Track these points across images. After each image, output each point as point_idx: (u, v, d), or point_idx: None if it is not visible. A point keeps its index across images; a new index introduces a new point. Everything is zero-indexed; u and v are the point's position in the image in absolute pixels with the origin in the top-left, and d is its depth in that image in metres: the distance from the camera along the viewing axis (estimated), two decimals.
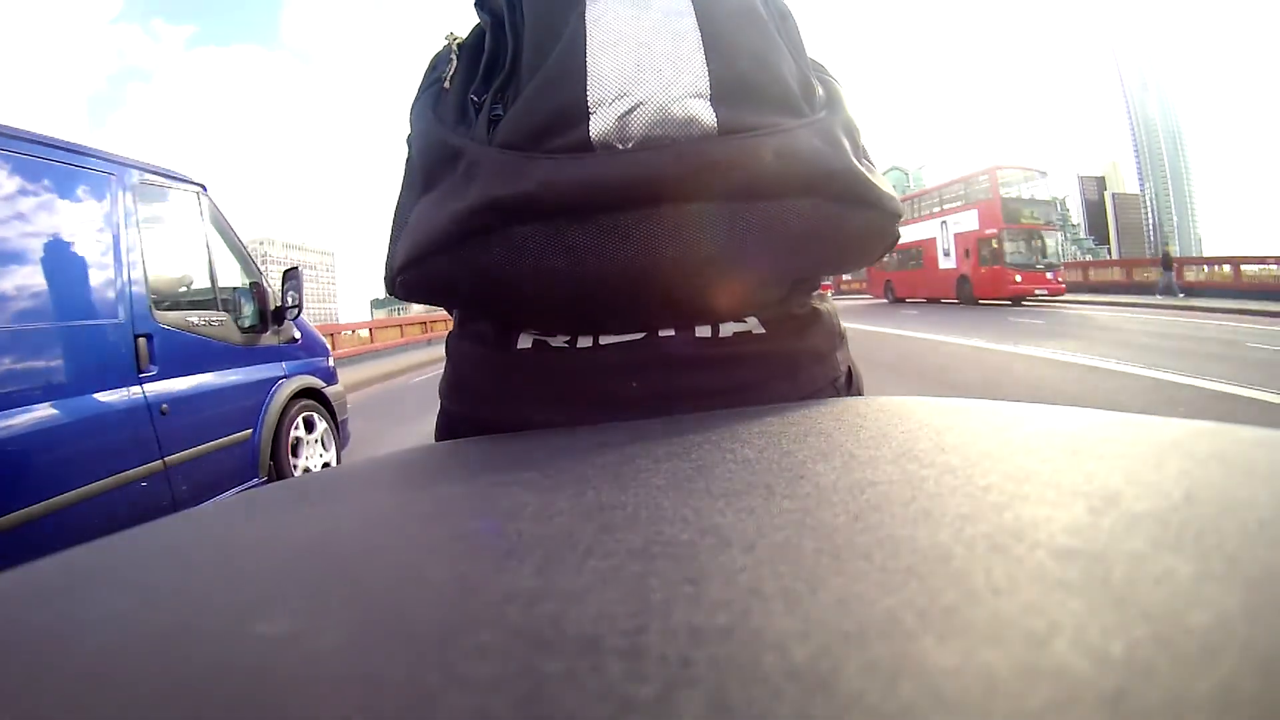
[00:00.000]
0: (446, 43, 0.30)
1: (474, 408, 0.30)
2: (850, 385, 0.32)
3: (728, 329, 0.27)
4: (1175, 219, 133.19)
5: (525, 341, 0.28)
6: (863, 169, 0.27)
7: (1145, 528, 0.12)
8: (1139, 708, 0.08)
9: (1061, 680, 0.08)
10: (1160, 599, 0.10)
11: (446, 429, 0.32)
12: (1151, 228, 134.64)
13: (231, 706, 0.09)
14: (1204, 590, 0.10)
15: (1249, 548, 0.11)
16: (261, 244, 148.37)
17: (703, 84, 0.24)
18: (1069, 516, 0.13)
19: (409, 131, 0.30)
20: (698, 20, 0.25)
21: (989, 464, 0.16)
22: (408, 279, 0.27)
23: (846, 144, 0.27)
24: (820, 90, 0.28)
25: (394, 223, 0.30)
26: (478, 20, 0.29)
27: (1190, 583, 0.10)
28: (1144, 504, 0.13)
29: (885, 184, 0.28)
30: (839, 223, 0.26)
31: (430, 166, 0.27)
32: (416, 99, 0.29)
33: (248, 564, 0.15)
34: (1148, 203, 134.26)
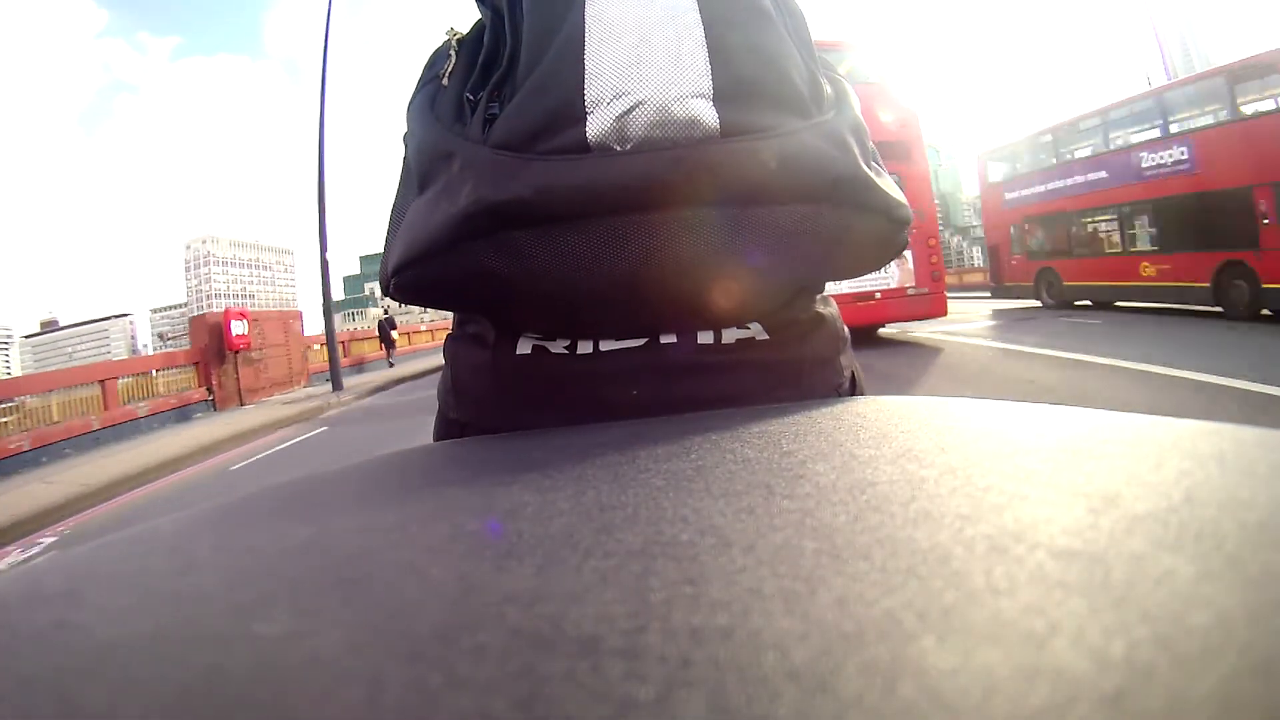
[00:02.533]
0: (446, 38, 0.29)
1: (472, 413, 0.30)
2: (854, 390, 0.32)
3: (730, 335, 0.27)
4: None
5: (524, 346, 0.28)
6: (870, 173, 0.26)
7: (1145, 528, 0.12)
8: (1139, 708, 0.08)
9: (1062, 681, 0.08)
10: (1160, 599, 0.10)
11: (444, 434, 0.31)
12: None
13: (231, 706, 0.09)
14: (1204, 591, 0.10)
15: (1249, 548, 0.11)
16: (204, 243, 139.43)
17: (705, 83, 0.23)
18: (1069, 517, 0.12)
19: (405, 130, 0.29)
20: (701, 16, 0.24)
21: (989, 464, 0.16)
22: (402, 281, 0.27)
23: (854, 147, 0.26)
24: (829, 90, 0.27)
25: (390, 222, 0.29)
26: (479, 16, 0.29)
27: (1190, 583, 0.10)
28: (1144, 504, 0.13)
29: (894, 189, 0.27)
30: (845, 229, 0.25)
31: (425, 166, 0.27)
32: (414, 96, 0.29)
33: (247, 563, 0.15)
34: None
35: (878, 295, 7.55)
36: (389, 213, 0.30)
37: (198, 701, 0.09)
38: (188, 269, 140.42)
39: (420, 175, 0.27)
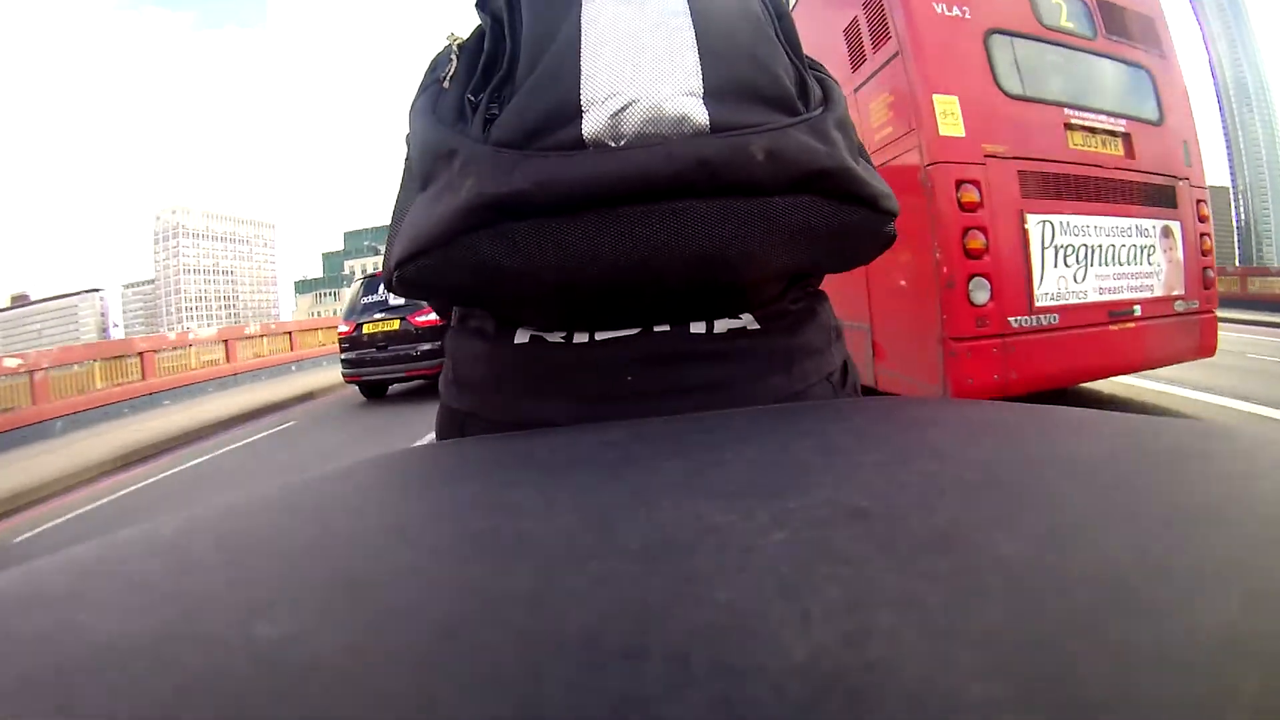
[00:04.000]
0: (447, 43, 0.31)
1: (472, 402, 0.31)
2: (845, 380, 0.32)
3: (722, 325, 0.28)
4: (1273, 219, 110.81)
5: (522, 337, 0.29)
6: (858, 167, 0.27)
7: (1147, 526, 0.12)
8: (1140, 707, 0.08)
9: (1063, 679, 0.08)
10: (1162, 598, 0.10)
11: (446, 422, 0.32)
12: (1241, 228, 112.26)
13: (232, 707, 0.09)
14: (1205, 589, 0.10)
15: (1251, 548, 0.11)
16: (174, 213, 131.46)
17: (695, 82, 0.25)
18: (1069, 515, 0.13)
19: (408, 131, 0.31)
20: (692, 19, 0.26)
21: (992, 462, 0.16)
22: (404, 275, 0.28)
23: (841, 141, 0.27)
24: (816, 88, 0.28)
25: (392, 219, 0.31)
26: (479, 22, 0.30)
27: (1192, 582, 0.10)
28: (1144, 502, 0.13)
29: (881, 183, 0.28)
30: (833, 220, 0.26)
31: (427, 165, 0.28)
32: (415, 99, 0.30)
33: (248, 564, 0.15)
34: (1239, 197, 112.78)
35: (1136, 310, 3.47)
36: (391, 210, 0.31)
37: (198, 702, 0.09)
38: (156, 241, 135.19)
39: (423, 173, 0.28)
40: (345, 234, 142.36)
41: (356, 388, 6.74)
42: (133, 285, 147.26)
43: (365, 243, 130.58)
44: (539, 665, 0.09)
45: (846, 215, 0.27)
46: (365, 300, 6.48)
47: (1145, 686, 0.08)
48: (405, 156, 0.31)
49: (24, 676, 0.11)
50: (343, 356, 6.47)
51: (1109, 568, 0.11)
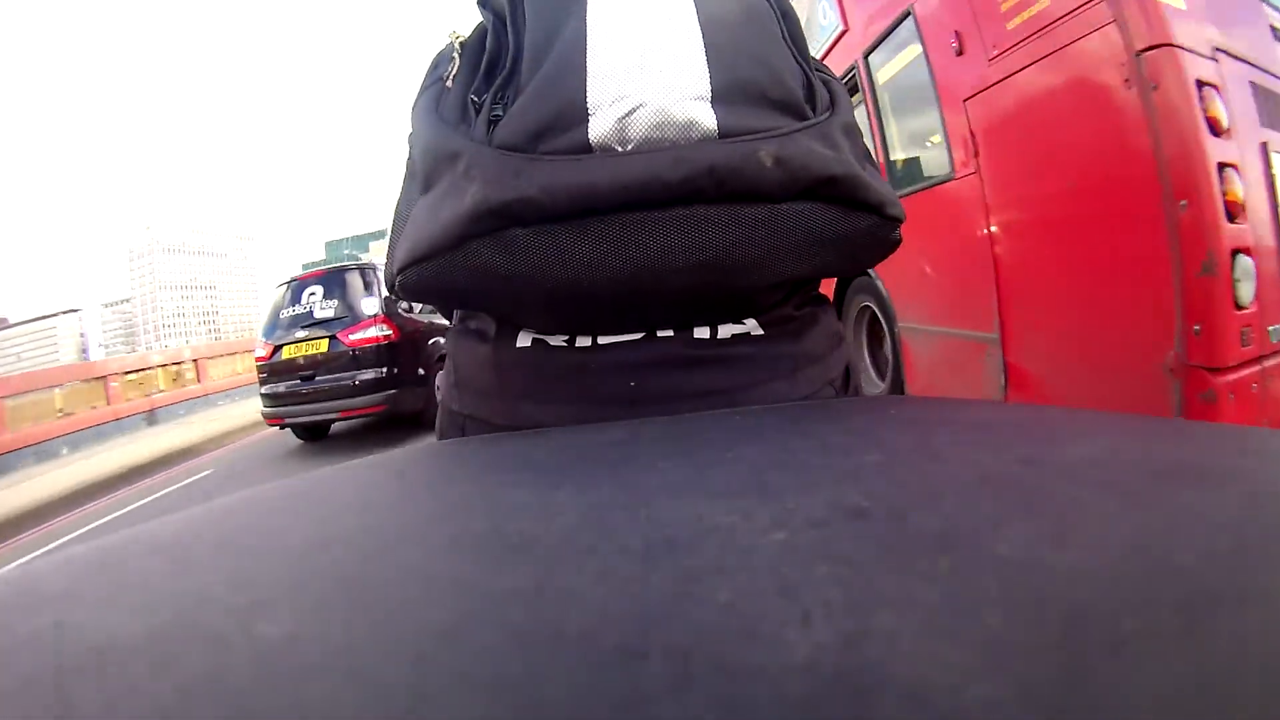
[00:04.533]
0: (449, 41, 0.30)
1: (474, 404, 0.31)
2: (847, 386, 0.33)
3: (726, 330, 0.28)
4: None
5: (525, 340, 0.29)
6: (865, 173, 0.27)
7: (1146, 527, 0.12)
8: (1140, 707, 0.08)
9: (1063, 679, 0.08)
10: (1161, 599, 0.10)
11: (447, 425, 0.32)
12: None
13: (231, 707, 0.09)
14: (1205, 589, 0.10)
15: (1252, 549, 0.11)
16: (148, 229, 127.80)
17: (703, 86, 0.24)
18: (1069, 515, 0.13)
19: (410, 131, 0.30)
20: (700, 21, 0.25)
21: (992, 462, 0.16)
22: (407, 279, 0.28)
23: (847, 146, 0.27)
24: (823, 92, 0.28)
25: (394, 222, 0.31)
26: (480, 19, 0.30)
27: (1192, 582, 0.10)
28: (1144, 502, 0.13)
29: (887, 188, 0.28)
30: (839, 226, 0.26)
31: (430, 166, 0.27)
32: (418, 98, 0.30)
33: (248, 564, 0.15)
34: None
35: None
36: (393, 212, 0.31)
37: (197, 702, 0.09)
38: (131, 259, 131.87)
39: (426, 175, 0.27)
40: (326, 244, 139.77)
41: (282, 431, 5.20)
42: (112, 304, 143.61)
43: (345, 251, 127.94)
44: (539, 665, 0.09)
45: (853, 222, 0.26)
46: (286, 312, 4.95)
47: (1145, 686, 0.08)
48: (408, 157, 0.30)
49: (24, 676, 0.11)
50: (262, 390, 4.95)
51: (1108, 568, 0.11)
